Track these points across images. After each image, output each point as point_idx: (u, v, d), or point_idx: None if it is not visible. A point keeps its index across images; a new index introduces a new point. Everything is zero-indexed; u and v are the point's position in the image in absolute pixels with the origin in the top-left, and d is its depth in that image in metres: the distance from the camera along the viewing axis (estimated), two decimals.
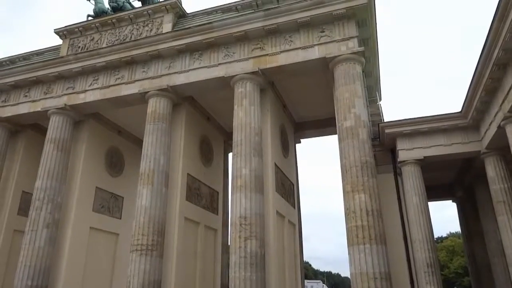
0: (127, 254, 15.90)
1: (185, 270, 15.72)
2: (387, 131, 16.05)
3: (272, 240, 14.33)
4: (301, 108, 19.82)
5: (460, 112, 15.66)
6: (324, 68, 15.18)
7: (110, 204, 20.36)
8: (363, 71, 14.94)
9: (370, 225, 11.90)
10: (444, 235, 65.82)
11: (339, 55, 14.32)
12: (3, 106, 19.77)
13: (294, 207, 19.00)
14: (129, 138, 22.24)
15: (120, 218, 20.89)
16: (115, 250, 20.22)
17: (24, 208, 19.38)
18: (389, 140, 16.49)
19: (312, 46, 14.88)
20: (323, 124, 20.72)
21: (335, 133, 15.13)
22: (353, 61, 14.25)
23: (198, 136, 18.63)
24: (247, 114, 14.79)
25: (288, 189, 18.12)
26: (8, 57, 22.69)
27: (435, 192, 22.58)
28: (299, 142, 22.07)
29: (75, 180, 18.24)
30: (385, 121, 17.83)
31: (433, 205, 22.09)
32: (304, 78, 16.69)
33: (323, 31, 14.92)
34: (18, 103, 19.48)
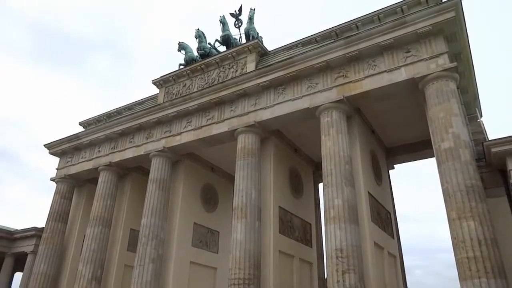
0: None
1: None
2: (493, 150, 14.45)
3: (372, 273, 13.57)
4: (391, 132, 18.98)
5: None
6: (413, 89, 14.48)
7: (207, 238, 21.20)
8: (458, 88, 13.93)
9: (484, 256, 10.65)
10: None
11: (428, 74, 13.59)
12: (112, 153, 22.18)
13: (393, 238, 17.87)
14: (222, 175, 23.25)
15: (217, 253, 21.57)
16: (214, 284, 20.79)
17: (132, 244, 21.13)
18: (498, 160, 14.79)
19: (398, 67, 14.37)
20: (417, 147, 19.51)
21: (432, 156, 14.14)
22: (446, 78, 13.39)
23: (287, 168, 18.78)
24: (335, 143, 14.59)
25: (384, 218, 17.17)
26: (115, 108, 25.71)
27: None
28: (393, 168, 20.99)
29: (175, 216, 19.45)
30: (490, 139, 16.15)
31: None
32: (391, 101, 16.08)
33: (409, 51, 14.37)
34: (125, 149, 21.70)
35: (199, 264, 20.02)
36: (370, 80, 14.87)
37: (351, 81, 15.26)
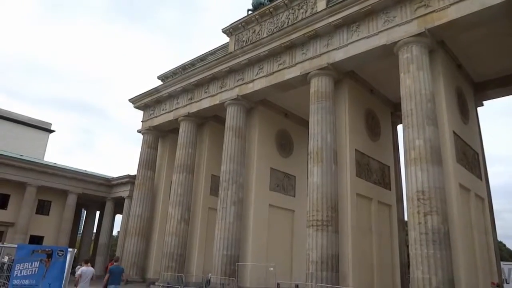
0: (303, 229, 16.83)
1: (361, 246, 15.72)
2: None
3: (457, 215, 13.07)
4: (481, 65, 17.19)
5: None
6: (510, 12, 12.72)
7: (284, 183, 21.82)
8: None
9: None
10: None
11: None
12: (190, 104, 23.17)
13: (481, 179, 16.81)
14: (295, 120, 23.25)
15: (294, 196, 22.19)
16: (292, 225, 21.62)
17: (214, 189, 22.55)
18: None
19: None
20: (511, 81, 17.54)
21: None
22: None
23: (362, 110, 18.16)
24: (416, 81, 13.64)
25: (471, 159, 16.11)
26: (189, 60, 26.41)
27: None
28: (482, 105, 19.26)
29: (252, 162, 20.16)
30: None
31: None
32: (481, 30, 14.39)
33: None
34: (201, 99, 22.52)
35: (277, 206, 20.83)
36: (456, 7, 13.32)
37: (434, 11, 13.81)
